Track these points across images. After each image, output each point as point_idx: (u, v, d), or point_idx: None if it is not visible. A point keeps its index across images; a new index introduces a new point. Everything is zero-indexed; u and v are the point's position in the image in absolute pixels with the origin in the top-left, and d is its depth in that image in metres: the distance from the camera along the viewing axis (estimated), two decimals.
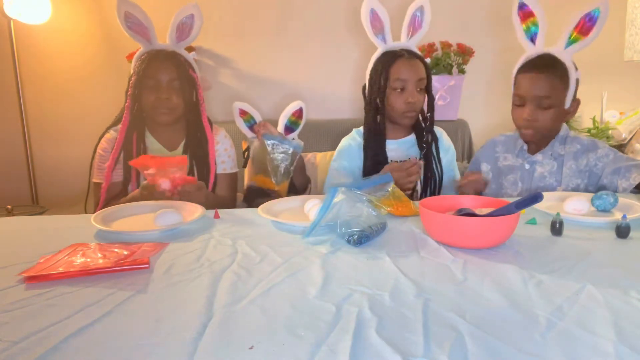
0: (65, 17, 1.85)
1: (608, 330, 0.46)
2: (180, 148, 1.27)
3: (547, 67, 1.10)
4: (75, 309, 0.52)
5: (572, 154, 1.17)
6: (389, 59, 1.21)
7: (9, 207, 1.66)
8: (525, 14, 1.12)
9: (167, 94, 1.17)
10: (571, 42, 1.10)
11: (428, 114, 1.28)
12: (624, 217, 0.76)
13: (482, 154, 1.29)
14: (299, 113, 1.33)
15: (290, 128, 1.33)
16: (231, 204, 1.34)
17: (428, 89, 1.26)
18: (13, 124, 1.88)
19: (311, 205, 0.86)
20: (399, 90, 1.21)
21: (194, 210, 0.90)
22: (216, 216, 0.91)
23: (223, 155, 1.31)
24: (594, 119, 1.81)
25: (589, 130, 1.79)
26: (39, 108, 1.91)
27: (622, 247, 0.72)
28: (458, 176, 1.34)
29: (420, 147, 1.27)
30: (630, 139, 1.76)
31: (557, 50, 1.12)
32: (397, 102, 1.21)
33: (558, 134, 1.19)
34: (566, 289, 0.56)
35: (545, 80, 1.09)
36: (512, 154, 1.22)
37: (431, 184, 1.25)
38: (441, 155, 1.30)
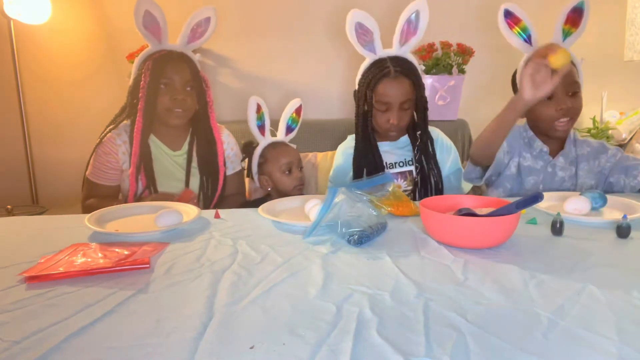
0: (65, 17, 1.85)
1: (610, 330, 0.46)
2: (185, 147, 1.26)
3: None
4: (76, 309, 0.52)
5: (583, 156, 1.18)
6: (375, 75, 1.17)
7: (9, 207, 1.66)
8: (513, 21, 1.13)
9: (183, 96, 1.16)
10: (565, 35, 1.12)
11: (418, 133, 1.24)
12: (625, 217, 0.76)
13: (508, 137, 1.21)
14: (298, 110, 1.32)
15: (290, 127, 1.32)
16: (244, 199, 1.35)
17: (421, 98, 1.23)
18: (13, 123, 1.88)
19: (311, 205, 0.85)
20: (383, 110, 1.19)
21: (193, 211, 0.90)
22: (217, 216, 0.90)
23: (231, 156, 1.31)
24: (594, 119, 1.81)
25: (589, 131, 1.79)
26: (39, 108, 1.90)
27: (622, 247, 0.72)
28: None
29: (415, 153, 1.26)
30: (630, 139, 1.76)
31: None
32: (381, 120, 1.21)
33: (570, 137, 1.19)
34: (567, 288, 0.56)
35: (568, 68, 1.10)
36: (530, 155, 1.21)
37: (430, 185, 1.25)
38: (444, 155, 1.30)
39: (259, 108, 1.24)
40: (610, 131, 1.77)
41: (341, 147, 1.34)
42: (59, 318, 0.50)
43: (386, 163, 1.26)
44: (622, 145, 1.76)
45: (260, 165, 1.28)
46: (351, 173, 1.28)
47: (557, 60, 0.92)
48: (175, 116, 1.18)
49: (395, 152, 1.28)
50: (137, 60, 1.20)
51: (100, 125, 1.26)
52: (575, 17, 1.10)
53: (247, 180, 1.45)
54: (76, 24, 1.87)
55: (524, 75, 0.94)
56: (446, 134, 1.36)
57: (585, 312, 0.50)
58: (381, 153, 1.25)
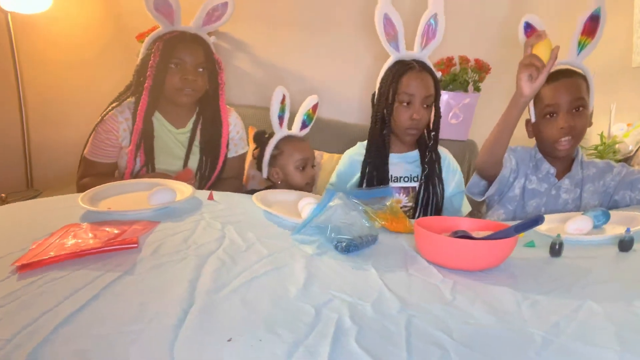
0: (68, 3, 1.78)
1: (611, 340, 0.45)
2: (190, 125, 1.25)
3: (571, 72, 1.11)
4: (65, 295, 0.52)
5: (589, 177, 1.16)
6: (400, 69, 1.18)
7: (2, 195, 1.62)
8: (531, 34, 1.12)
9: (194, 76, 1.16)
10: (581, 47, 1.11)
11: (432, 133, 1.24)
12: (628, 230, 0.75)
13: (518, 153, 1.20)
14: (314, 107, 1.29)
15: (304, 123, 1.29)
16: (240, 184, 1.34)
17: (436, 106, 1.23)
18: (11, 106, 1.78)
19: (305, 203, 0.84)
20: (406, 104, 1.19)
21: (187, 190, 0.89)
22: (210, 197, 0.89)
23: (235, 138, 1.31)
24: (601, 135, 1.75)
25: (595, 148, 1.74)
26: (39, 90, 1.81)
27: (624, 260, 0.71)
28: (465, 200, 1.30)
29: (423, 165, 1.25)
30: (637, 150, 1.71)
31: (570, 60, 1.12)
32: (402, 116, 1.20)
33: (577, 158, 1.18)
34: (564, 307, 0.54)
35: (575, 83, 1.10)
36: (536, 177, 1.18)
37: (432, 203, 1.23)
38: (449, 176, 1.28)
39: (283, 99, 1.22)
40: (617, 145, 1.72)
41: (348, 153, 1.33)
42: (47, 307, 0.50)
43: (391, 176, 1.24)
44: (628, 158, 1.71)
45: (274, 156, 1.25)
46: (354, 180, 1.27)
47: (540, 53, 0.91)
48: (184, 95, 1.17)
49: (403, 165, 1.26)
50: (147, 40, 1.20)
51: (102, 106, 1.24)
52: (592, 26, 1.08)
53: (246, 166, 1.43)
54: (81, 8, 1.80)
55: (519, 72, 0.94)
56: (454, 155, 1.34)
57: (584, 327, 0.49)
58: (389, 165, 1.24)
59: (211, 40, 1.25)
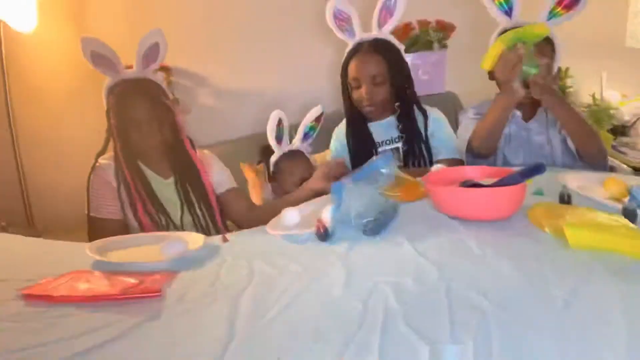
0: (51, 27, 1.68)
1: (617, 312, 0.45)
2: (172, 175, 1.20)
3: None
4: (81, 331, 0.49)
5: (553, 120, 1.18)
6: (348, 55, 1.25)
7: (3, 223, 1.56)
8: None
9: (148, 129, 1.12)
10: (552, 15, 1.09)
11: (397, 104, 1.28)
12: (632, 194, 0.70)
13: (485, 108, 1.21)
14: (317, 118, 1.31)
15: (308, 134, 1.31)
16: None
17: (396, 79, 1.25)
18: (3, 142, 1.72)
19: (293, 214, 0.83)
20: (356, 86, 1.25)
21: (198, 239, 0.84)
22: (224, 240, 0.84)
23: (224, 175, 1.26)
24: (593, 96, 1.79)
25: (588, 106, 1.78)
26: (31, 127, 1.72)
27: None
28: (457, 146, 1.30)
29: (400, 128, 1.28)
30: (636, 121, 1.73)
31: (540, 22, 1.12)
32: (356, 97, 1.27)
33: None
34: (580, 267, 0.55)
35: (539, 45, 1.09)
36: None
37: (419, 158, 1.26)
38: (437, 131, 1.30)
39: (280, 122, 1.25)
40: (612, 111, 1.75)
41: (336, 129, 1.38)
42: (61, 336, 0.47)
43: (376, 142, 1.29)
44: (625, 127, 1.74)
45: (273, 173, 1.29)
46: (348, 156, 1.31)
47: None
48: (149, 154, 1.16)
49: (381, 131, 1.30)
50: (103, 92, 1.17)
51: (96, 143, 1.18)
52: (572, 3, 1.06)
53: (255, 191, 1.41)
54: (61, 36, 1.70)
55: (512, 76, 1.00)
56: (438, 107, 1.36)
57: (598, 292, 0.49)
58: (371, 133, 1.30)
59: (159, 77, 1.22)
